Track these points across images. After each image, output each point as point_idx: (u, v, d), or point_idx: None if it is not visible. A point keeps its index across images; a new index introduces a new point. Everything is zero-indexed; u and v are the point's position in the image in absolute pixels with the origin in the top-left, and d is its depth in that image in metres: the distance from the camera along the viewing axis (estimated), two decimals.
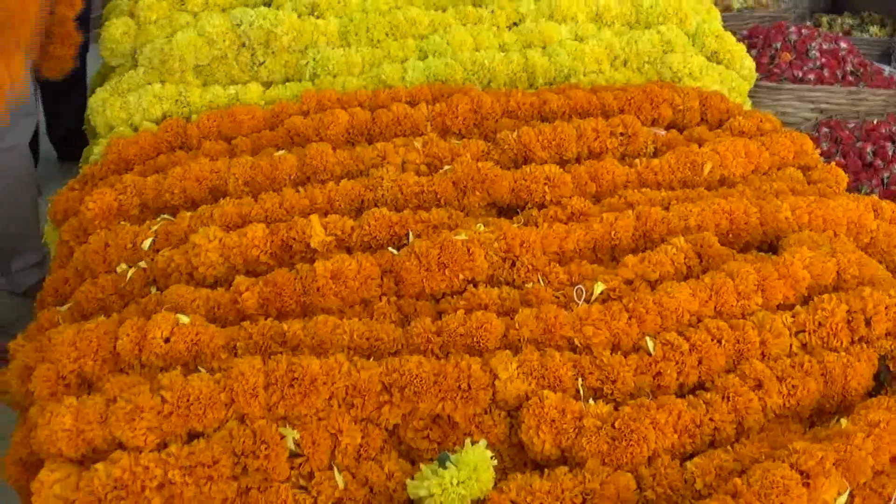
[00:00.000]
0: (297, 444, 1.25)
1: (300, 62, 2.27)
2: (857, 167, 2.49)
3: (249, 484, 1.22)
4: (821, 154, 2.49)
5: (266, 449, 1.21)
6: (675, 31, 2.44)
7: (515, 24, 2.46)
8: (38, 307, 1.70)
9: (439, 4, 2.48)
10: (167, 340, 1.35)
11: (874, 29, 3.83)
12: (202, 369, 1.31)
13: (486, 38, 2.37)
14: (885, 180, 2.43)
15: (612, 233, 1.67)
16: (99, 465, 1.18)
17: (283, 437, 1.24)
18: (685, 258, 1.60)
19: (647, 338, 1.43)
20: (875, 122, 2.70)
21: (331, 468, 1.26)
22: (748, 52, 3.04)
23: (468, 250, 1.56)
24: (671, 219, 1.70)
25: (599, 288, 1.51)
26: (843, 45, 3.10)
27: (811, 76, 2.97)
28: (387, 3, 2.42)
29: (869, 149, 2.53)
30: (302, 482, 1.24)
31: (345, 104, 2.08)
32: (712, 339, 1.43)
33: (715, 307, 1.50)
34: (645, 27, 2.48)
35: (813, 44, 3.06)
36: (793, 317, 1.50)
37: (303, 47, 2.27)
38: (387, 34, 2.35)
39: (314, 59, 2.26)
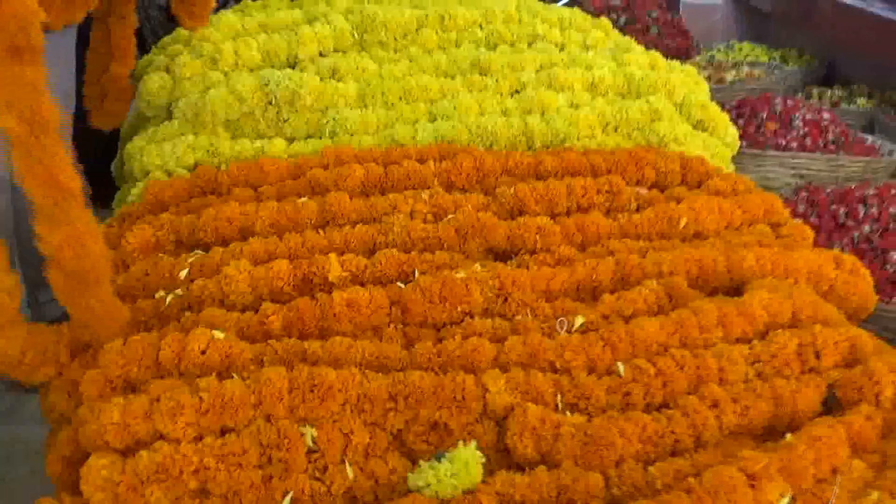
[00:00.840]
0: (315, 441, 1.46)
1: (321, 121, 2.51)
2: (831, 227, 2.71)
3: (272, 473, 1.42)
4: (797, 216, 2.72)
5: (288, 443, 1.42)
6: (663, 101, 2.67)
7: (517, 91, 2.70)
8: None
9: (449, 72, 2.73)
10: (203, 352, 1.57)
11: (861, 100, 4.06)
12: (235, 375, 1.52)
13: (489, 104, 2.61)
14: (856, 239, 2.65)
15: (594, 275, 1.89)
16: (143, 452, 1.39)
17: (302, 434, 1.45)
18: (656, 298, 1.82)
19: (619, 363, 1.64)
20: (852, 186, 2.93)
21: (343, 462, 1.46)
22: (737, 121, 3.31)
23: (466, 286, 1.78)
24: (646, 265, 1.92)
25: (580, 320, 1.73)
26: (825, 115, 3.34)
27: (794, 144, 3.21)
28: (401, 71, 2.67)
29: (842, 210, 2.75)
30: (317, 474, 1.45)
31: (361, 160, 2.30)
32: (676, 365, 1.64)
33: (680, 339, 1.71)
34: (636, 97, 2.72)
35: (797, 114, 3.30)
36: (749, 349, 1.71)
37: (324, 107, 2.51)
38: (400, 98, 2.59)
39: (334, 119, 2.50)
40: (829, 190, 2.92)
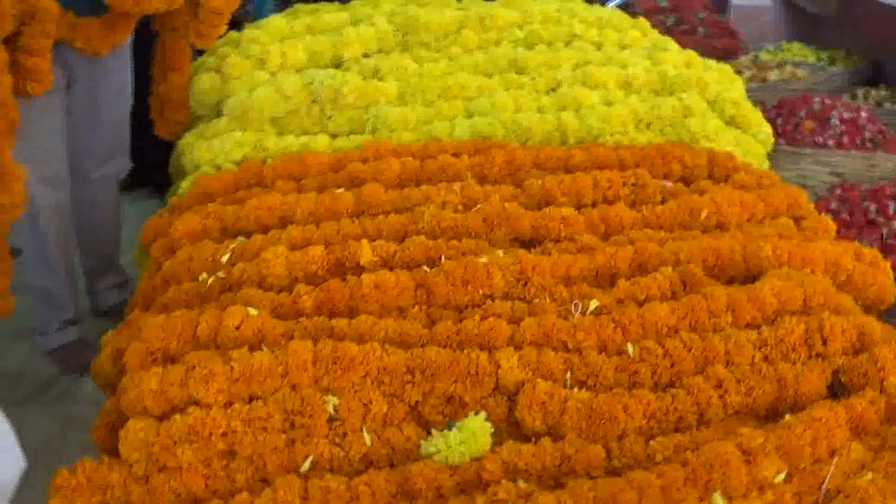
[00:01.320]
0: (336, 410, 1.57)
1: (363, 117, 2.63)
2: (861, 223, 2.75)
3: (295, 437, 1.54)
4: (829, 212, 2.75)
5: (311, 410, 1.54)
6: (695, 98, 2.75)
7: (553, 89, 2.79)
8: (129, 310, 2.06)
9: (487, 71, 2.83)
10: (238, 328, 1.69)
11: None
12: (264, 348, 1.64)
13: (525, 102, 2.71)
14: (885, 235, 2.68)
15: (612, 262, 1.98)
16: (176, 416, 1.52)
17: (324, 402, 1.56)
18: (671, 284, 1.90)
19: (629, 344, 1.72)
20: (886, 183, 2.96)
21: (361, 430, 1.58)
22: (775, 120, 3.35)
23: (488, 271, 1.88)
24: (664, 253, 2.00)
25: (594, 304, 1.82)
26: (863, 114, 3.37)
27: (830, 142, 3.24)
28: (440, 70, 2.78)
29: (872, 207, 2.78)
30: (337, 440, 1.56)
31: (398, 154, 2.42)
32: (684, 347, 1.72)
33: (690, 323, 1.79)
34: (668, 94, 2.79)
35: (834, 113, 3.33)
36: (758, 333, 1.78)
37: (365, 105, 2.64)
38: (439, 96, 2.70)
39: (375, 116, 2.62)
40: (863, 187, 2.95)
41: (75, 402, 2.84)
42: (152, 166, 3.61)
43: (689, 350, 1.72)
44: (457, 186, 2.23)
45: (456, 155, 2.41)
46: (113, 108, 2.84)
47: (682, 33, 4.67)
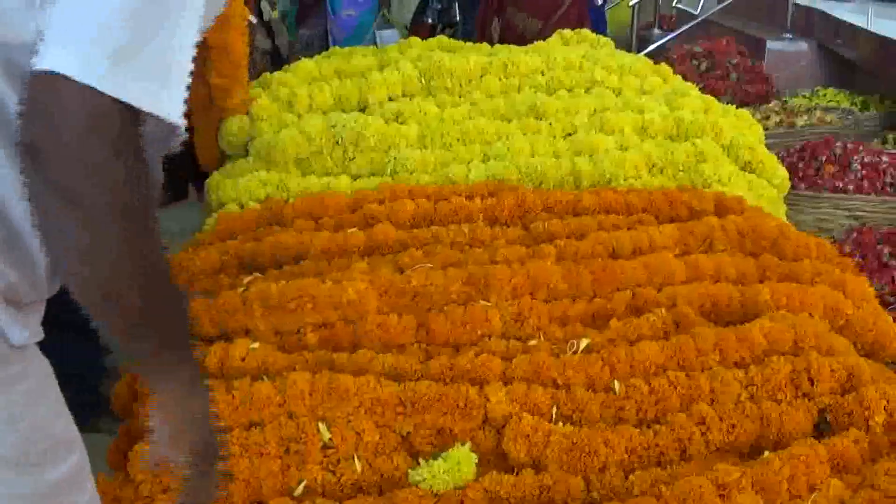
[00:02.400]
0: (330, 438, 1.66)
1: (383, 160, 2.73)
2: (874, 267, 2.79)
3: (290, 463, 1.63)
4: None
5: (305, 437, 1.63)
6: (710, 143, 2.80)
7: (570, 134, 2.87)
8: None
9: (507, 116, 2.92)
10: (243, 359, 1.80)
11: None
12: (265, 378, 1.75)
13: (541, 146, 2.79)
14: None
15: (609, 305, 2.05)
16: None
17: (319, 431, 1.66)
18: (663, 325, 1.96)
19: (615, 381, 1.79)
20: None
21: (353, 458, 1.66)
22: (797, 164, 3.40)
23: (486, 312, 1.97)
24: (660, 298, 2.06)
25: (584, 343, 1.89)
26: (885, 158, 3.40)
27: (851, 187, 3.28)
28: (461, 114, 2.88)
29: (886, 251, 2.82)
30: (330, 466, 1.65)
31: (414, 195, 2.52)
32: (669, 385, 1.78)
33: (678, 362, 1.85)
34: (684, 139, 2.85)
35: (856, 157, 3.38)
36: (745, 372, 1.84)
37: (387, 147, 2.74)
38: (458, 139, 2.79)
39: (395, 158, 2.72)
40: (880, 231, 2.99)
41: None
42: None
43: (675, 388, 1.78)
44: (466, 228, 2.32)
45: (469, 197, 2.49)
46: None
47: (716, 79, 4.74)
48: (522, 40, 3.84)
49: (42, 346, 1.17)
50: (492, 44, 3.70)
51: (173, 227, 3.47)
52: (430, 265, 2.09)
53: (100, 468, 1.78)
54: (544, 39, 3.62)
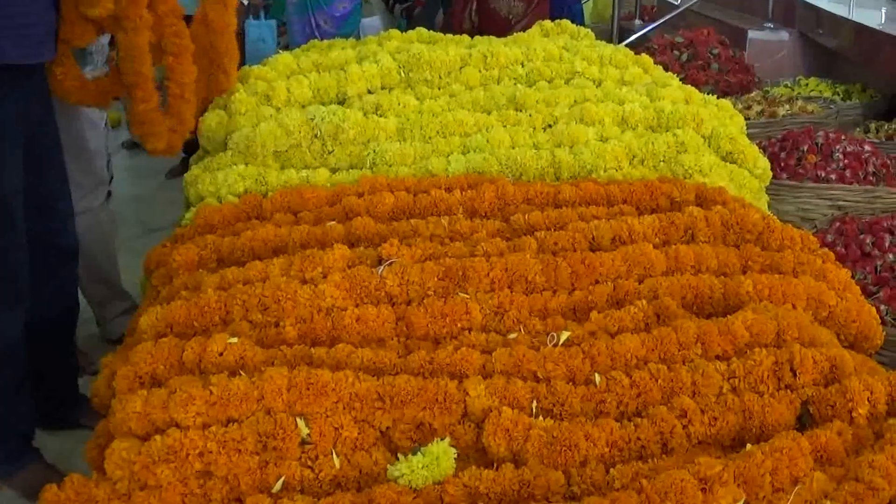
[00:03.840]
0: (308, 434, 1.64)
1: (363, 153, 2.71)
2: (856, 256, 2.78)
3: (268, 459, 1.61)
4: (826, 245, 2.78)
5: (283, 433, 1.61)
6: (690, 134, 2.79)
7: (549, 125, 2.86)
8: (128, 335, 2.15)
9: (486, 108, 2.90)
10: (221, 354, 1.78)
11: None
12: (242, 373, 1.72)
13: (521, 138, 2.77)
14: (878, 268, 2.71)
15: (589, 297, 2.04)
16: (157, 437, 1.60)
17: (297, 426, 1.64)
18: (644, 317, 1.95)
19: (596, 374, 1.78)
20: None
21: (331, 454, 1.64)
22: (779, 154, 3.40)
23: (466, 305, 1.95)
24: (642, 290, 2.05)
25: (565, 335, 1.88)
26: (866, 147, 3.40)
27: (833, 176, 3.28)
28: (440, 106, 2.86)
29: (868, 240, 2.81)
30: (308, 462, 1.63)
31: (393, 188, 2.50)
32: (651, 378, 1.77)
33: (659, 354, 1.84)
34: (664, 130, 2.84)
35: (837, 146, 3.37)
36: (727, 365, 1.83)
37: (366, 140, 2.72)
38: (437, 132, 2.78)
39: (374, 151, 2.70)
40: (862, 220, 2.99)
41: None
42: None
43: (656, 380, 1.77)
44: (445, 221, 2.31)
45: (449, 190, 2.48)
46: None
47: (697, 69, 4.73)
48: (504, 23, 3.84)
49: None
50: (471, 33, 3.69)
51: None
52: (407, 259, 2.07)
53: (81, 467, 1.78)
54: (529, 21, 3.60)
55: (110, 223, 3.48)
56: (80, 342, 3.53)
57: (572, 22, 3.70)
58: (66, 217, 2.80)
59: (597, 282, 2.08)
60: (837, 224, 3.01)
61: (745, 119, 3.23)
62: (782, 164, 3.36)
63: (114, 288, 3.48)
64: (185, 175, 2.73)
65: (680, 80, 3.30)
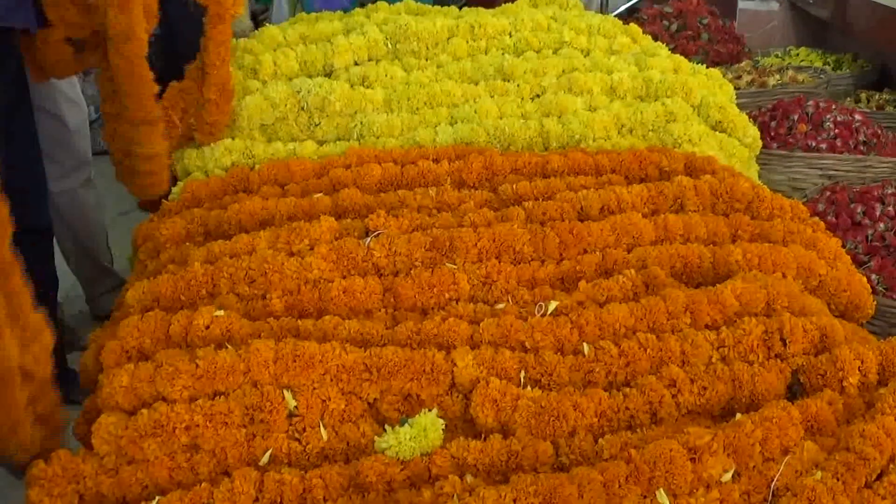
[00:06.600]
0: (296, 406, 1.63)
1: (350, 125, 2.69)
2: (847, 225, 2.77)
3: (255, 432, 1.61)
4: (817, 214, 2.77)
5: (270, 406, 1.60)
6: (679, 103, 2.77)
7: (538, 95, 2.84)
8: (115, 310, 2.14)
9: (473, 78, 2.88)
10: (207, 327, 1.76)
11: None
12: (229, 346, 1.71)
13: (509, 108, 2.75)
14: (869, 237, 2.71)
15: (577, 267, 2.03)
16: (144, 410, 1.59)
17: (284, 399, 1.63)
18: (633, 286, 1.94)
19: (585, 343, 1.77)
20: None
21: (319, 426, 1.63)
22: (769, 123, 3.38)
23: (454, 275, 1.94)
24: (630, 259, 2.04)
25: (553, 305, 1.87)
26: (857, 117, 3.38)
27: (823, 146, 3.26)
28: (427, 77, 2.83)
29: (859, 209, 2.80)
30: (296, 434, 1.62)
31: (381, 159, 2.48)
32: (639, 347, 1.76)
33: (648, 324, 1.83)
34: (653, 100, 2.83)
35: (828, 116, 3.35)
36: (716, 334, 1.82)
37: (353, 112, 2.70)
38: (425, 103, 2.75)
39: (361, 123, 2.68)
40: (853, 189, 2.98)
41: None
42: None
43: (645, 350, 1.76)
44: (433, 191, 2.29)
45: (436, 160, 2.46)
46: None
47: (687, 39, 4.71)
48: None
49: None
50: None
51: None
52: (395, 230, 2.05)
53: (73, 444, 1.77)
54: None
55: (95, 202, 3.44)
56: (70, 319, 3.53)
57: None
58: (39, 197, 2.75)
59: (585, 251, 2.07)
60: (828, 193, 3.00)
61: (735, 89, 3.21)
62: (773, 134, 3.34)
63: (101, 265, 3.46)
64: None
65: (669, 50, 3.27)
